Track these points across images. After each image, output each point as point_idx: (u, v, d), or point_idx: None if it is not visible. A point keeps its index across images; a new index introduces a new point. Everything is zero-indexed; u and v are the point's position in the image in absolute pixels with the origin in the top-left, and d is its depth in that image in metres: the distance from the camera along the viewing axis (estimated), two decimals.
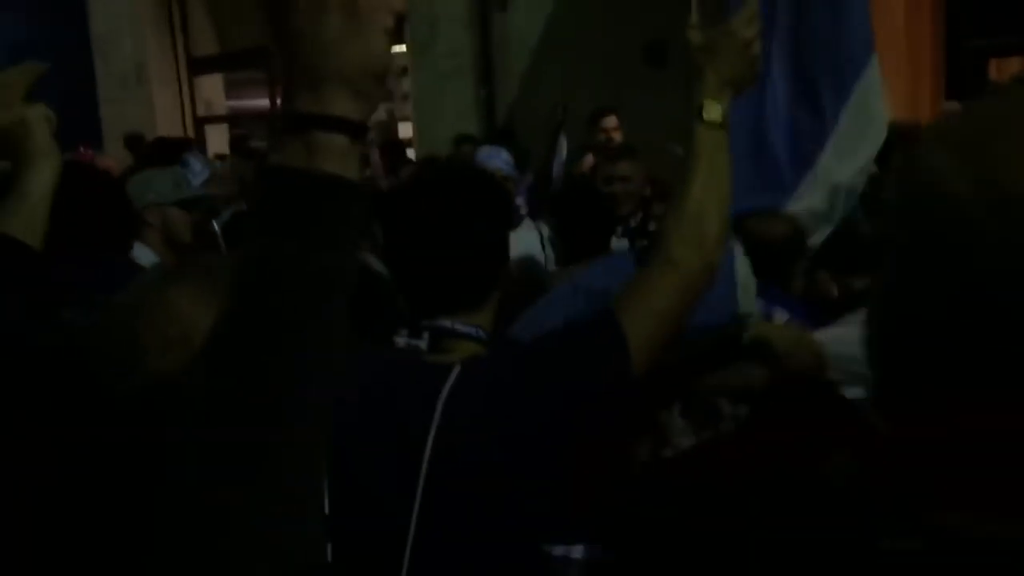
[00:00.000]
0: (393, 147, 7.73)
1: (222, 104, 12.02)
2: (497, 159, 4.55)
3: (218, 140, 11.56)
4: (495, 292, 1.53)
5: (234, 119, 11.88)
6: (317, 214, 0.71)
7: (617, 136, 5.76)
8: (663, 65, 6.68)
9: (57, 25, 19.81)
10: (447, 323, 1.47)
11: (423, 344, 1.48)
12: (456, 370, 1.40)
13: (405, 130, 9.55)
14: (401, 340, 1.51)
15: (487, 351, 1.47)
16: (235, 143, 9.47)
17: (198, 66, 11.57)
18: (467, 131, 7.42)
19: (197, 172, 3.62)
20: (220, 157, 9.24)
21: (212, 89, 11.85)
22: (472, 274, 1.50)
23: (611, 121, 5.75)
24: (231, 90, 12.08)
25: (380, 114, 10.17)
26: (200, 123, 11.61)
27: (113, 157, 10.04)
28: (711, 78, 1.59)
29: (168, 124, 11.44)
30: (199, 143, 11.51)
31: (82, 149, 9.34)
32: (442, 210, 1.48)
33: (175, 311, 0.99)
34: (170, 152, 3.93)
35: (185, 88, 11.55)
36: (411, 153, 8.78)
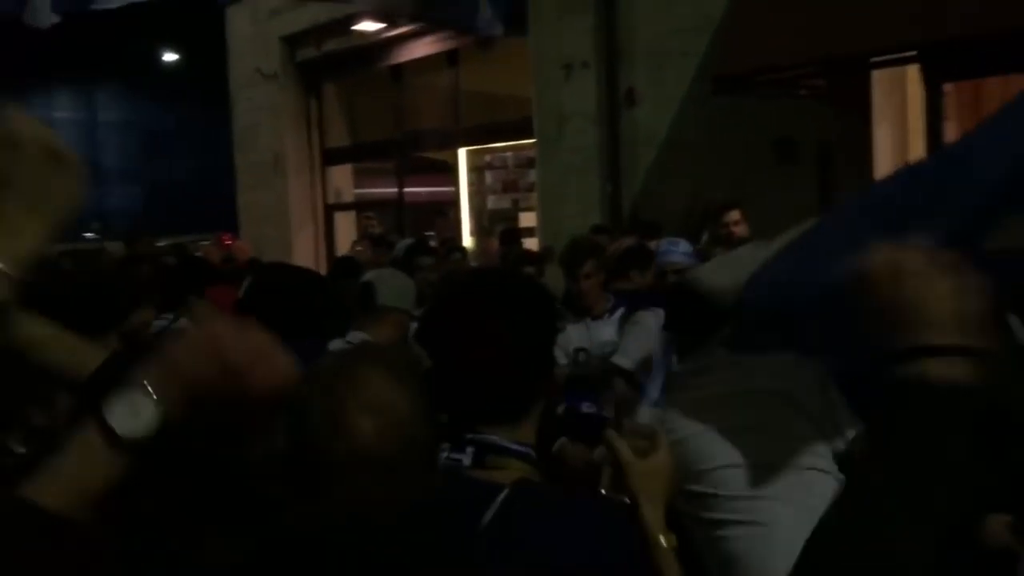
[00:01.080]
0: (509, 234, 7.92)
1: (350, 192, 12.53)
2: (675, 251, 4.58)
3: (345, 226, 12.03)
4: (539, 403, 1.45)
5: (361, 206, 12.36)
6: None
7: (739, 230, 5.74)
8: (794, 161, 6.68)
9: (202, 117, 21.10)
10: (494, 438, 1.38)
11: (466, 459, 1.38)
12: (505, 493, 1.31)
13: (528, 220, 9.75)
14: (443, 454, 1.41)
15: (539, 477, 1.39)
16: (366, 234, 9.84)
17: (330, 156, 12.13)
18: (590, 224, 7.53)
19: None
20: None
21: (342, 178, 12.38)
22: (516, 383, 1.42)
23: (734, 215, 5.73)
24: (359, 179, 12.60)
25: (505, 203, 10.43)
26: (330, 210, 12.11)
27: (247, 242, 10.55)
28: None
29: (301, 211, 11.98)
30: (328, 229, 12.01)
31: (223, 236, 9.87)
32: (485, 315, 1.42)
33: (371, 385, 1.19)
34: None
35: (318, 177, 12.09)
36: (534, 243, 8.95)
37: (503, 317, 1.42)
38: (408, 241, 7.50)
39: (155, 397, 0.99)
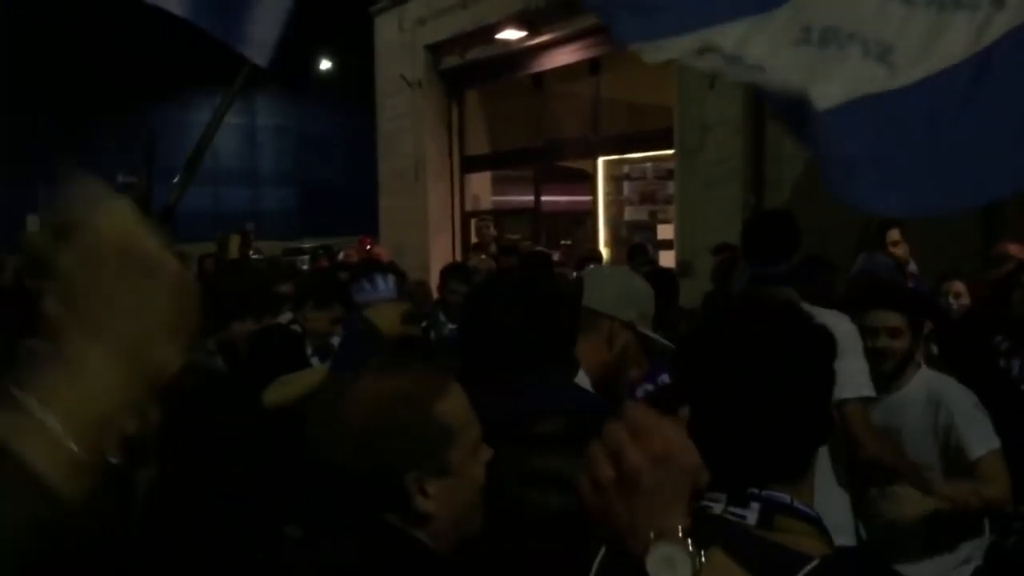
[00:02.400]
0: (638, 250, 7.66)
1: (488, 199, 12.56)
2: None
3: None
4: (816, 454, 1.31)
5: (499, 214, 12.37)
6: None
7: (899, 251, 5.39)
8: None
9: (352, 123, 21.81)
10: (784, 497, 1.24)
11: (751, 516, 1.24)
12: (813, 565, 1.17)
13: (666, 233, 9.49)
14: (716, 506, 1.27)
15: (829, 547, 1.24)
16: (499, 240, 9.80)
17: (469, 164, 12.20)
18: (730, 239, 7.21)
19: (380, 289, 3.71)
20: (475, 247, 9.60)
21: (480, 185, 12.43)
22: (802, 440, 1.28)
23: (894, 234, 5.38)
24: (497, 186, 12.62)
25: (642, 214, 10.20)
26: (467, 217, 12.17)
27: (386, 246, 10.72)
28: None
29: (439, 217, 12.09)
30: (464, 235, 12.08)
31: (363, 240, 10.09)
32: (770, 365, 1.28)
33: None
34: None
35: (456, 184, 12.18)
36: (670, 257, 8.69)
37: (789, 366, 1.28)
38: (538, 248, 7.39)
39: (693, 553, 0.96)
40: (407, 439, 1.39)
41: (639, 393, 3.01)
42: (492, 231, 9.87)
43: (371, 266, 4.17)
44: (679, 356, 1.46)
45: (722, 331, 1.39)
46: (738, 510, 1.24)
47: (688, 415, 1.31)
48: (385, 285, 3.91)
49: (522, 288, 2.02)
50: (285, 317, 4.09)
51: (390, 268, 4.98)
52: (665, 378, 3.00)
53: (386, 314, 2.48)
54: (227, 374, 3.13)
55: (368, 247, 10.35)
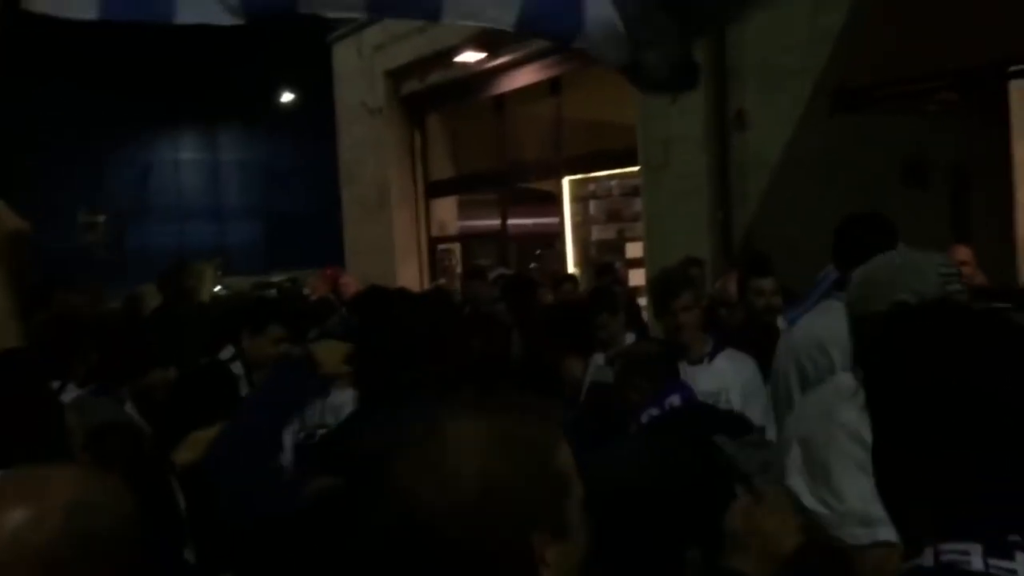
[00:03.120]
0: (605, 269, 7.53)
1: (455, 224, 12.42)
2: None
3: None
4: None
5: (465, 239, 12.23)
6: None
7: None
8: (924, 184, 6.12)
9: (316, 153, 21.71)
10: None
11: (1019, 569, 1.03)
12: None
13: (635, 250, 9.39)
14: (974, 560, 1.04)
15: None
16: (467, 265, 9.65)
17: (434, 189, 12.07)
18: (700, 253, 7.12)
19: None
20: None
21: (446, 211, 12.29)
22: None
23: None
24: (463, 211, 12.49)
25: (609, 233, 10.10)
26: (434, 243, 12.02)
27: (354, 275, 10.53)
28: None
29: (405, 244, 11.92)
30: (432, 262, 11.92)
31: (329, 270, 9.87)
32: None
33: None
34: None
35: (422, 210, 12.03)
36: (641, 275, 8.58)
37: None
38: (501, 270, 7.26)
39: None
40: (533, 490, 1.12)
41: (644, 418, 2.82)
42: (456, 259, 9.74)
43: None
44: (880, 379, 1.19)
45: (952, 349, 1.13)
46: (1001, 562, 1.03)
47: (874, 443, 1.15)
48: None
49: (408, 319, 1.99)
50: (226, 353, 3.87)
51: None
52: (676, 400, 2.85)
53: (332, 351, 2.24)
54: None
55: (333, 277, 10.15)
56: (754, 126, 7.36)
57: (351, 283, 9.38)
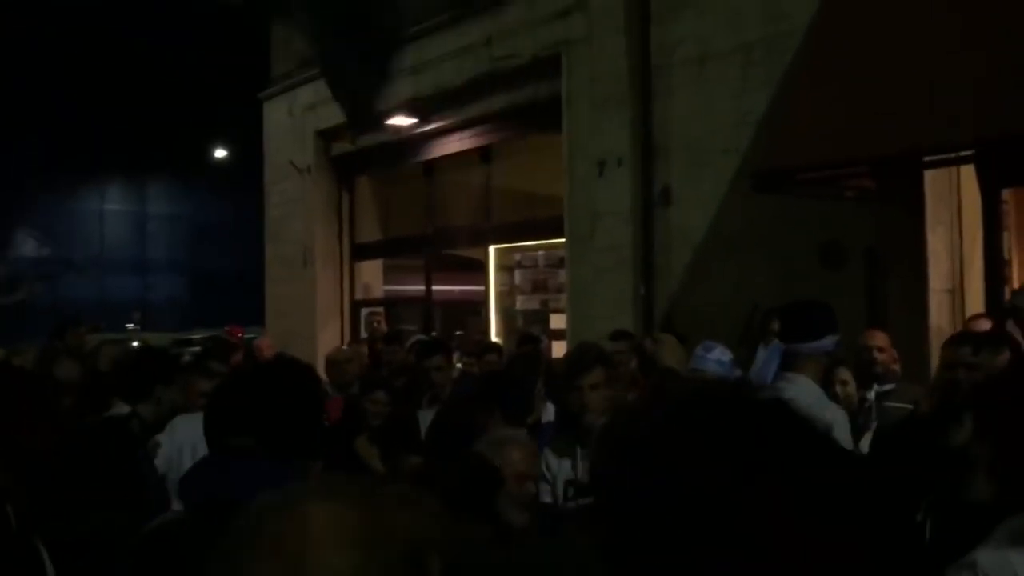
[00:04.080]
0: (527, 339, 7.44)
1: (379, 288, 12.24)
2: (707, 359, 4.02)
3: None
4: None
5: (390, 303, 12.04)
6: None
7: None
8: (841, 267, 6.20)
9: (245, 210, 21.45)
10: None
11: None
12: None
13: (558, 322, 9.32)
14: None
15: None
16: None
17: (360, 251, 11.90)
18: (621, 327, 7.07)
19: None
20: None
21: (371, 274, 12.12)
22: None
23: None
24: (388, 275, 12.34)
25: (534, 303, 10.04)
26: (357, 306, 11.81)
27: (269, 337, 10.23)
28: None
29: (327, 306, 11.69)
30: (354, 324, 11.68)
31: (228, 329, 9.58)
32: None
33: None
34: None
35: (346, 272, 11.85)
36: (563, 347, 8.50)
37: None
38: (419, 337, 7.10)
39: None
40: None
41: None
42: (383, 325, 9.53)
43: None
44: None
45: None
46: None
47: None
48: None
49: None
50: (118, 409, 3.64)
51: None
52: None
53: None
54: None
55: (239, 335, 9.84)
56: (678, 203, 7.42)
57: (266, 346, 9.12)
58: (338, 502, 0.93)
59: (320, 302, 11.65)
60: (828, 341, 3.50)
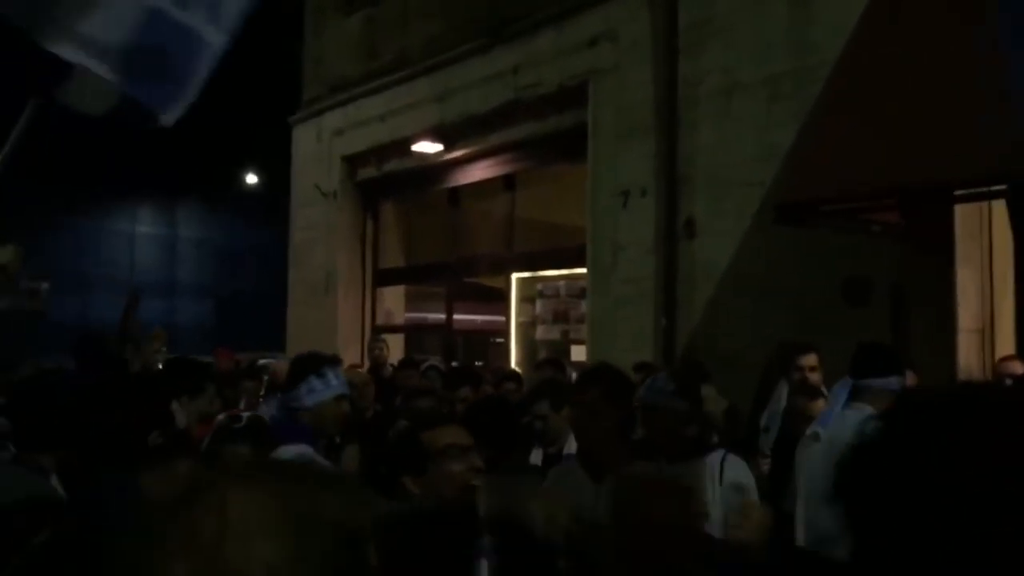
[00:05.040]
0: (553, 364, 7.32)
1: (401, 314, 12.20)
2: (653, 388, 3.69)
3: (394, 348, 11.63)
4: None
5: (410, 329, 11.98)
6: None
7: (814, 377, 5.13)
8: (865, 303, 6.06)
9: (269, 234, 21.59)
10: None
11: None
12: None
13: (579, 353, 9.21)
14: None
15: None
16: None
17: (382, 277, 11.88)
18: (642, 359, 6.96)
19: (332, 385, 3.59)
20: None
21: (393, 300, 12.08)
22: None
23: (811, 359, 5.14)
24: (410, 301, 12.29)
25: (554, 333, 9.94)
26: (377, 331, 11.76)
27: (285, 362, 10.16)
28: None
29: (349, 331, 11.65)
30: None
31: (220, 354, 9.48)
32: None
33: None
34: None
35: (368, 297, 11.81)
36: None
37: None
38: (431, 362, 7.01)
39: None
40: None
41: None
42: (385, 351, 9.36)
43: (315, 359, 3.79)
44: None
45: None
46: None
47: None
48: (336, 379, 3.63)
49: None
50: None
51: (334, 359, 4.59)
52: None
53: None
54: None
55: (230, 357, 9.76)
56: (702, 235, 7.32)
57: (281, 371, 9.05)
58: (256, 488, 0.84)
59: (342, 327, 11.61)
60: (894, 380, 3.82)
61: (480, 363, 11.12)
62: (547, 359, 7.42)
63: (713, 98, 7.26)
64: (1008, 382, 5.40)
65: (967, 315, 5.92)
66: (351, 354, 11.59)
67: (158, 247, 31.12)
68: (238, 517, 0.81)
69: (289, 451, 3.19)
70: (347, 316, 11.69)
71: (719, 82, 7.21)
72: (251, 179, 30.70)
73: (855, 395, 3.90)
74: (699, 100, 7.38)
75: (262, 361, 10.50)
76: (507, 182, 10.00)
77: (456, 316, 11.19)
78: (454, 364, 9.73)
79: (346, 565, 0.83)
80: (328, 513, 0.85)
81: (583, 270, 8.56)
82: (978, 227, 5.95)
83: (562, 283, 9.93)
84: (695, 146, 7.40)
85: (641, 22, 7.85)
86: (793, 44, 6.67)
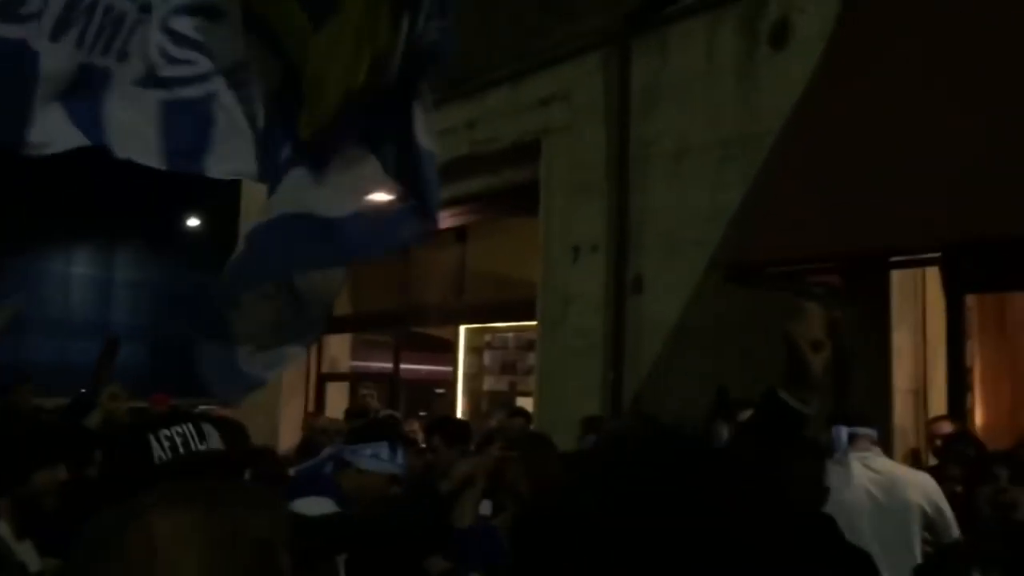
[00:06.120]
0: (517, 412, 7.37)
1: (347, 363, 12.15)
2: (363, 454, 3.51)
3: (337, 397, 11.57)
4: None
5: (355, 378, 11.93)
6: None
7: None
8: None
9: (208, 276, 21.45)
10: None
11: None
12: None
13: (526, 404, 9.28)
14: None
15: None
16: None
17: (329, 324, 11.80)
18: (590, 412, 7.07)
19: (395, 462, 3.44)
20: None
21: (339, 347, 12.04)
22: None
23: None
24: (356, 350, 12.26)
25: (502, 384, 10.01)
26: (323, 379, 11.69)
27: (230, 410, 10.02)
28: None
29: (293, 379, 11.56)
30: (319, 399, 11.55)
31: (155, 400, 9.34)
32: None
33: None
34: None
35: (314, 345, 11.75)
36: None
37: None
38: (386, 413, 7.02)
39: None
40: None
41: None
42: (374, 402, 9.28)
43: (393, 427, 3.61)
44: None
45: None
46: None
47: None
48: (400, 459, 3.40)
49: None
50: None
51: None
52: None
53: None
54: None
55: (166, 403, 9.63)
56: (651, 291, 7.50)
57: (223, 415, 8.94)
58: (181, 509, 0.98)
59: (285, 375, 11.49)
60: (873, 429, 4.99)
61: (424, 413, 11.11)
62: (517, 409, 7.48)
63: (664, 159, 7.51)
64: (938, 442, 5.64)
65: (902, 375, 6.16)
66: (295, 402, 11.50)
67: (92, 289, 30.53)
68: (165, 539, 0.93)
69: (310, 504, 2.92)
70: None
71: (670, 143, 7.46)
72: (193, 222, 30.39)
73: (851, 438, 4.88)
74: (651, 160, 7.61)
75: (201, 408, 10.34)
76: (459, 234, 10.12)
77: (403, 365, 11.20)
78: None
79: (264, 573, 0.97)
80: (252, 531, 0.98)
81: (533, 323, 8.68)
82: (913, 291, 6.23)
83: (511, 335, 10.04)
84: (646, 205, 7.62)
85: (594, 84, 8.11)
86: (741, 111, 6.95)
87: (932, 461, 5.73)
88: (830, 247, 5.49)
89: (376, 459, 3.32)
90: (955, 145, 5.07)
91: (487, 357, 10.31)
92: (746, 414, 5.22)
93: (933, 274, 6.07)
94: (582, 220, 8.09)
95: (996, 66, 5.20)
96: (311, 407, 11.45)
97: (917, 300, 6.27)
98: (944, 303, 6.18)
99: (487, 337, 10.35)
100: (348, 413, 7.73)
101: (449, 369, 10.64)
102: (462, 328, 10.38)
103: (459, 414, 10.06)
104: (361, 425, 3.65)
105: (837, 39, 6.22)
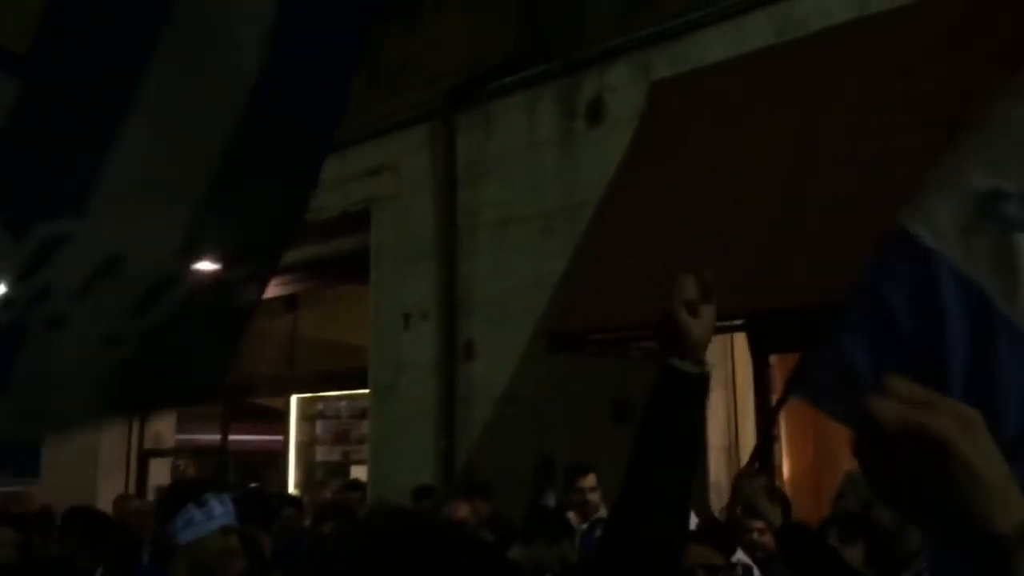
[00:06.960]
0: (354, 485, 7.30)
1: (171, 437, 11.63)
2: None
3: (161, 472, 11.04)
4: None
5: (180, 453, 11.44)
6: None
7: (594, 497, 5.47)
8: (632, 422, 6.53)
9: None
10: None
11: None
12: None
13: (359, 473, 9.19)
14: None
15: None
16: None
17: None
18: (423, 479, 7.09)
19: (215, 514, 3.12)
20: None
21: (163, 421, 11.52)
22: None
23: (590, 480, 5.49)
24: (182, 423, 11.77)
25: (335, 455, 9.87)
26: (145, 456, 11.14)
27: (37, 491, 9.41)
28: None
29: (112, 456, 10.97)
30: (141, 476, 10.99)
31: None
32: None
33: None
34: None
35: (135, 420, 11.21)
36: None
37: None
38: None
39: None
40: None
41: None
42: (193, 472, 8.96)
43: (196, 485, 3.20)
44: None
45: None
46: None
47: None
48: (222, 507, 2.95)
49: None
50: None
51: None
52: None
53: None
54: None
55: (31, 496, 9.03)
56: (481, 358, 7.65)
57: (34, 497, 8.44)
58: None
59: (104, 453, 10.90)
60: None
61: (255, 484, 10.77)
62: (353, 481, 7.41)
63: (490, 228, 7.73)
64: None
65: (716, 433, 6.53)
66: (113, 482, 10.89)
67: None
68: None
69: None
70: (110, 440, 11.00)
71: (496, 214, 7.69)
72: None
73: None
74: (477, 230, 7.82)
75: (4, 488, 9.63)
76: (289, 302, 9.98)
77: (232, 437, 10.84)
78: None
79: None
80: None
81: (365, 391, 8.64)
82: (723, 354, 6.64)
83: (343, 403, 9.95)
84: (474, 273, 7.80)
85: (421, 155, 8.28)
86: (561, 183, 7.27)
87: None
88: (644, 315, 5.74)
89: (191, 525, 2.93)
90: (755, 221, 5.50)
91: (319, 426, 10.15)
92: (585, 479, 5.43)
93: (740, 338, 6.49)
94: (412, 288, 8.17)
95: (795, 145, 5.69)
96: (132, 487, 10.88)
97: (727, 362, 6.69)
98: (751, 364, 6.61)
99: (319, 405, 10.21)
100: (161, 491, 7.42)
101: (280, 439, 10.39)
102: (293, 397, 10.19)
103: (291, 486, 9.83)
104: (159, 500, 3.36)
105: (646, 118, 6.64)
